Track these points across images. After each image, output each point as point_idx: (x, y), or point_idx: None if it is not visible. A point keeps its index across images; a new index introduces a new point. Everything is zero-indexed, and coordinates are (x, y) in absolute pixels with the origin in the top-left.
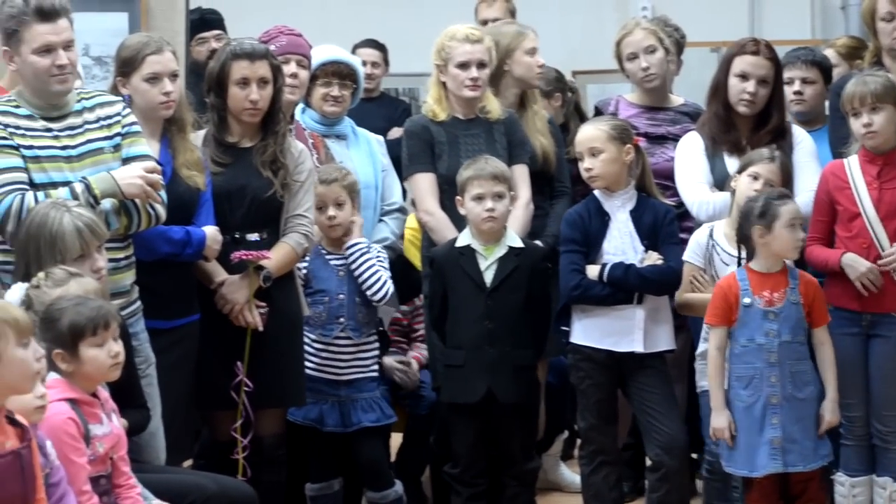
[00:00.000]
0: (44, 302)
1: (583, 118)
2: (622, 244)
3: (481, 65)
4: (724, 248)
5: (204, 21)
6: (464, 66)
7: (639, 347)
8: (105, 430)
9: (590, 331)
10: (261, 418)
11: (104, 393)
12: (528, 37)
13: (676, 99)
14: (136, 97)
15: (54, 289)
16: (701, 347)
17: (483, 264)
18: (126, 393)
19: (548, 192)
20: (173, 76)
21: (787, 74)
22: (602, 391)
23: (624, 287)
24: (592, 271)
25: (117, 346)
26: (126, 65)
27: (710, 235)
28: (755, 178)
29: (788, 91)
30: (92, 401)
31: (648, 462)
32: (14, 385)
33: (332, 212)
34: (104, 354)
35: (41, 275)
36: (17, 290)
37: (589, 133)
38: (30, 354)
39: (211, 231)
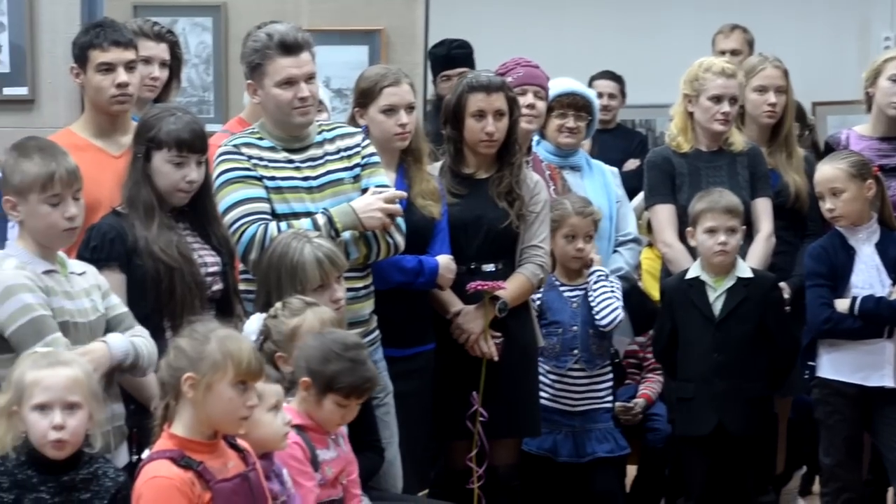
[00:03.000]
0: (281, 332)
1: (818, 154)
2: (869, 278)
3: (733, 100)
4: None
5: (450, 58)
6: (717, 99)
7: (889, 382)
8: (332, 455)
9: (839, 365)
10: (496, 448)
11: None
12: (759, 73)
13: None
14: (373, 128)
15: (291, 318)
16: None
17: (712, 296)
18: (362, 433)
19: (798, 229)
20: (410, 108)
21: None
22: (851, 427)
23: (876, 320)
24: (842, 305)
25: (353, 413)
26: (364, 96)
27: None
28: None
29: None
30: (319, 426)
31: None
32: (217, 421)
33: (581, 244)
34: (339, 415)
35: (278, 305)
36: (256, 321)
37: (828, 173)
38: (241, 399)
39: (444, 260)
